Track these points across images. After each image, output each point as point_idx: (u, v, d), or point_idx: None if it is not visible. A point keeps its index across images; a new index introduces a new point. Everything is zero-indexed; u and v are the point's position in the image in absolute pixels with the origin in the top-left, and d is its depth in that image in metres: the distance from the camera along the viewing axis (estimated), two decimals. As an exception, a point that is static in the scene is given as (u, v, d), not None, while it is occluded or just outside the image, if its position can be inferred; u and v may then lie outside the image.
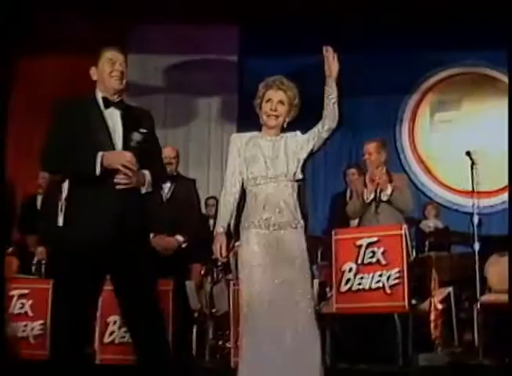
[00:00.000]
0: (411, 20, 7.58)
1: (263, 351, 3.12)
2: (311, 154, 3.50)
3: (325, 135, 3.41)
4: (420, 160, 8.20)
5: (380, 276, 4.64)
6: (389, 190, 5.17)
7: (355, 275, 4.70)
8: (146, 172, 3.34)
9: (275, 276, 3.22)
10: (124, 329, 4.51)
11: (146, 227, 3.44)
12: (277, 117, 3.40)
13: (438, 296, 5.54)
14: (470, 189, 5.23)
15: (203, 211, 6.00)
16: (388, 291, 4.60)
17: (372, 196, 5.21)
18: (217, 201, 6.71)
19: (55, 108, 3.40)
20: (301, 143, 3.44)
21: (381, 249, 4.65)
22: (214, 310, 5.20)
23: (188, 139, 8.23)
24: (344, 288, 4.70)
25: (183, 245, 5.04)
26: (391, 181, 5.24)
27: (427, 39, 7.69)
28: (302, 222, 3.38)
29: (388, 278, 4.61)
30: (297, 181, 3.43)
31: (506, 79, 8.00)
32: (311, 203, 7.33)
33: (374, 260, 4.67)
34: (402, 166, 7.98)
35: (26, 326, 5.07)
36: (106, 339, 4.89)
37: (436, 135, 8.23)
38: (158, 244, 4.96)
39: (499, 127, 7.59)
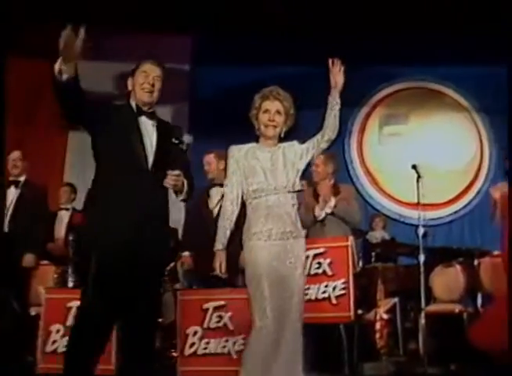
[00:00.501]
0: (361, 34, 7.70)
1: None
2: (309, 165, 3.57)
3: (324, 145, 3.48)
4: (368, 173, 8.32)
5: (326, 286, 4.71)
6: (332, 202, 5.24)
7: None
8: (184, 181, 3.33)
9: (279, 287, 3.24)
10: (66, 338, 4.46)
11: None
12: (275, 127, 3.43)
13: (384, 306, 5.63)
14: (416, 201, 5.34)
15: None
16: (334, 301, 4.68)
17: (321, 207, 5.28)
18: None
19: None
20: (300, 153, 3.48)
21: (328, 260, 4.73)
22: (160, 319, 5.17)
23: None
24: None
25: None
26: (337, 193, 5.31)
27: (377, 53, 7.83)
28: (303, 232, 3.46)
29: (334, 289, 4.69)
30: (297, 191, 3.46)
31: (452, 94, 8.23)
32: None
33: (320, 271, 4.74)
34: (351, 178, 8.08)
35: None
36: (49, 348, 4.83)
37: (384, 148, 8.37)
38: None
39: (445, 141, 7.80)
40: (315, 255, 4.73)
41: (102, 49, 7.90)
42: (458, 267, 6.12)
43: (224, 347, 4.62)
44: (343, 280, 4.67)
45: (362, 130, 8.31)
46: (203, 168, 5.44)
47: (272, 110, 3.42)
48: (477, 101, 8.10)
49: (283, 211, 3.35)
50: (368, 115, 8.31)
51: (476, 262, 6.14)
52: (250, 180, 3.39)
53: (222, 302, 4.68)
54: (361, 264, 5.97)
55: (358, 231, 5.66)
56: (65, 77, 3.01)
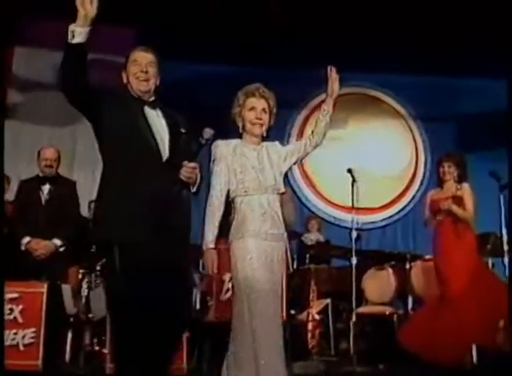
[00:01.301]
0: (302, 37, 7.76)
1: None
2: (290, 168, 3.52)
3: (310, 150, 3.48)
4: (306, 175, 8.37)
5: (16, 334, 4.59)
6: None
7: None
8: (198, 174, 3.17)
9: (267, 286, 3.19)
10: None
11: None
12: (262, 125, 3.37)
13: (317, 307, 5.70)
14: (351, 205, 5.41)
15: (86, 213, 5.85)
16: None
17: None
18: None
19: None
20: (284, 155, 3.44)
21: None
22: (90, 315, 5.07)
23: (74, 138, 7.91)
24: (224, 297, 4.73)
25: (61, 249, 4.94)
26: None
27: (317, 57, 7.88)
28: (286, 235, 3.40)
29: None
30: (281, 194, 3.42)
31: (390, 101, 8.38)
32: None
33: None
34: (288, 180, 8.12)
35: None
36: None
37: (322, 151, 8.32)
38: (34, 249, 4.86)
39: (382, 147, 7.94)
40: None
41: (39, 36, 7.72)
42: (390, 270, 6.24)
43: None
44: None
45: (301, 133, 8.34)
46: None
47: (258, 107, 3.36)
48: (414, 109, 8.29)
49: (274, 212, 3.32)
50: (306, 118, 8.35)
51: (407, 266, 6.27)
52: (240, 177, 3.31)
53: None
54: (295, 265, 6.02)
55: (293, 232, 5.71)
56: (76, 40, 2.96)
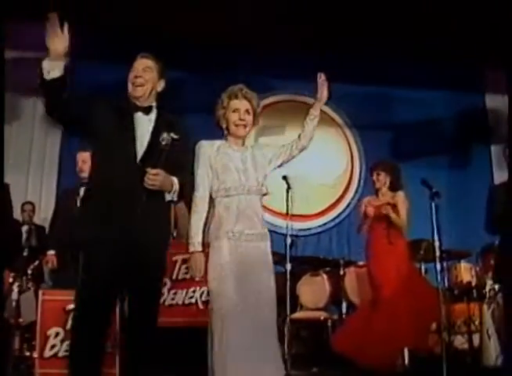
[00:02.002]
0: (241, 45, 7.78)
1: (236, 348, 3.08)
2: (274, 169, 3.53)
3: (296, 153, 3.50)
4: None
5: (194, 292, 4.73)
6: None
7: (168, 290, 4.76)
8: (175, 179, 3.21)
9: (245, 287, 3.18)
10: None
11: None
12: (245, 126, 3.39)
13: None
14: (286, 211, 5.43)
15: (19, 216, 5.71)
16: (201, 306, 4.71)
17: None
18: (33, 206, 6.46)
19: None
20: (270, 157, 3.47)
21: None
22: (20, 320, 4.94)
23: (9, 139, 7.70)
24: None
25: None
26: None
27: (257, 64, 7.93)
28: (268, 235, 3.38)
29: (201, 294, 4.73)
30: (263, 195, 3.42)
31: (327, 109, 8.46)
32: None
33: (188, 276, 4.74)
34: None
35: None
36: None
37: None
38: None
39: (318, 155, 8.01)
40: (184, 260, 4.71)
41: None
42: (324, 276, 6.31)
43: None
44: None
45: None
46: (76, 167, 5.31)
47: (241, 109, 3.38)
48: (350, 117, 8.39)
49: (253, 213, 3.32)
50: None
51: (341, 272, 6.35)
52: (222, 178, 3.33)
53: None
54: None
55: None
56: (51, 76, 2.98)
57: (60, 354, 4.45)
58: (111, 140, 3.19)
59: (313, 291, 6.21)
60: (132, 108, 3.30)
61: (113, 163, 3.17)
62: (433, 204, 4.79)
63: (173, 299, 4.74)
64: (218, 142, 3.42)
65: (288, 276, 5.24)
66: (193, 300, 4.74)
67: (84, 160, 5.30)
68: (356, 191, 8.36)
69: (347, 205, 8.32)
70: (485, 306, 6.03)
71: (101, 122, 3.20)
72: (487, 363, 5.63)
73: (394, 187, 5.60)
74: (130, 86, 3.33)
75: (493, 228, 4.78)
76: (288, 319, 5.23)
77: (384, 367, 5.07)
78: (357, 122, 8.47)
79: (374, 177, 5.64)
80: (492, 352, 5.69)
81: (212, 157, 3.36)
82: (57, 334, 4.49)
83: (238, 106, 3.39)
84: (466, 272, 6.58)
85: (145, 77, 3.31)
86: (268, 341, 3.23)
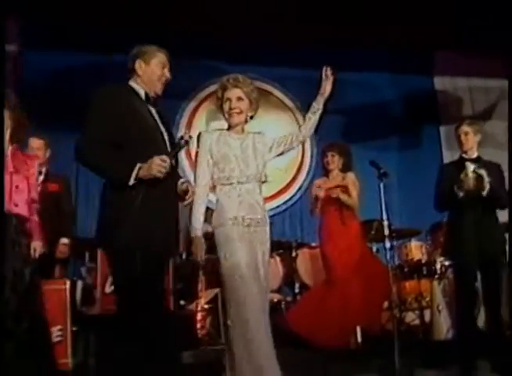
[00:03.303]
0: (195, 30, 7.73)
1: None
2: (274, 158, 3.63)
3: (295, 144, 3.63)
4: (194, 167, 8.24)
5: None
6: None
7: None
8: (190, 181, 3.31)
9: (253, 270, 3.33)
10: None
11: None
12: (239, 113, 3.49)
13: (206, 297, 5.71)
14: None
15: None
16: None
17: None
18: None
19: (98, 95, 3.15)
20: (270, 146, 3.57)
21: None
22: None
23: None
24: (109, 290, 4.67)
25: None
26: None
27: (208, 48, 7.90)
28: (268, 220, 3.51)
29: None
30: (263, 182, 3.53)
31: (278, 93, 8.49)
32: (83, 204, 7.14)
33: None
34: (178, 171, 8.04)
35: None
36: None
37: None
38: None
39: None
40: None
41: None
42: (277, 258, 6.36)
43: None
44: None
45: (189, 124, 8.27)
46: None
47: (232, 97, 3.47)
48: (301, 101, 8.42)
49: (254, 200, 3.44)
50: (195, 109, 8.30)
51: (294, 254, 6.40)
52: (221, 166, 3.43)
53: None
54: (184, 256, 6.01)
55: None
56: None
57: None
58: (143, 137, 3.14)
59: (273, 273, 6.25)
60: (146, 100, 3.29)
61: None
62: (381, 184, 4.85)
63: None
64: (218, 131, 3.54)
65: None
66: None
67: (37, 147, 5.20)
68: (308, 173, 8.41)
69: (299, 188, 8.38)
70: (435, 282, 6.17)
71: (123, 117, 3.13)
72: (438, 338, 5.78)
73: (345, 169, 5.67)
74: (156, 83, 3.30)
75: (441, 205, 4.89)
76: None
77: (337, 345, 5.16)
78: (308, 106, 8.47)
79: (327, 159, 5.69)
80: (443, 327, 5.84)
81: (213, 146, 3.46)
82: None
83: (229, 95, 3.49)
84: (416, 250, 6.72)
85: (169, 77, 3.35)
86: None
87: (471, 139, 4.81)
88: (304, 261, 6.41)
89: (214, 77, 8.31)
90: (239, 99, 3.49)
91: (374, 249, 6.50)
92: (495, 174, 4.70)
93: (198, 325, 5.45)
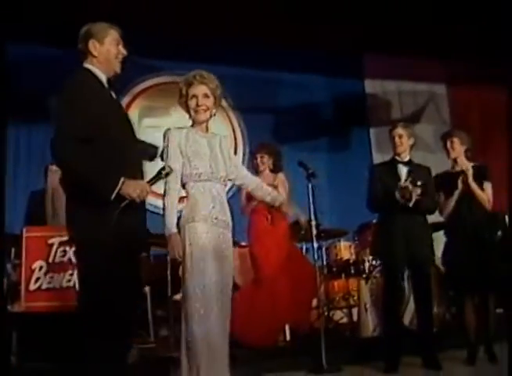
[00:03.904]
0: (126, 26, 7.62)
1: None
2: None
3: (237, 183, 3.82)
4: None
5: (72, 275, 4.64)
6: None
7: (45, 274, 4.65)
8: None
9: (216, 269, 3.30)
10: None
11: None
12: (205, 110, 3.46)
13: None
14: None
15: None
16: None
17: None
18: None
19: (66, 85, 3.01)
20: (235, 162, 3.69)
21: (73, 248, 4.64)
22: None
23: None
24: (33, 287, 4.59)
25: None
26: None
27: (143, 45, 7.80)
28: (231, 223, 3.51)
29: None
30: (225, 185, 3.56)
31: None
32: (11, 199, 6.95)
33: (66, 259, 4.66)
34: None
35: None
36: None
37: (143, 139, 8.31)
38: None
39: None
40: (61, 243, 4.66)
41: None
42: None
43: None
44: None
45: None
46: None
47: (198, 94, 3.44)
48: (233, 99, 8.43)
49: (223, 200, 3.46)
50: (128, 105, 8.14)
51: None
52: (194, 163, 3.40)
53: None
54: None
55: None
56: None
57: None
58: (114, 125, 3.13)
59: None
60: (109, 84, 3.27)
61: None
62: (309, 185, 4.92)
63: (50, 283, 4.64)
64: (185, 129, 3.49)
65: (169, 258, 5.24)
66: (71, 283, 4.63)
67: None
68: (240, 173, 8.41)
69: (231, 187, 8.38)
70: (363, 281, 6.30)
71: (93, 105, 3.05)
72: (365, 335, 5.90)
73: (275, 169, 5.73)
74: (114, 61, 3.25)
75: (375, 208, 4.99)
76: (171, 300, 5.25)
77: (266, 344, 5.21)
78: (240, 105, 8.53)
79: (256, 161, 5.75)
80: (370, 325, 5.97)
81: (182, 144, 3.42)
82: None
83: (195, 92, 3.45)
84: (345, 250, 6.83)
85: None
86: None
87: (405, 142, 4.91)
88: (233, 259, 6.41)
89: (148, 73, 8.31)
90: (206, 95, 3.47)
91: (304, 249, 6.57)
92: (425, 178, 4.83)
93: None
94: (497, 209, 5.34)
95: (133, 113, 8.22)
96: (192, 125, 3.56)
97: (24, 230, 4.71)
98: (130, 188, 2.94)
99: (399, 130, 4.91)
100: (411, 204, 4.63)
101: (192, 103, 3.48)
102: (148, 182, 3.09)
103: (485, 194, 4.90)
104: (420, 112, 9.37)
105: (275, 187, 5.49)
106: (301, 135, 8.42)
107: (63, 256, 4.67)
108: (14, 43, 6.92)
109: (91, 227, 2.94)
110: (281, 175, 5.67)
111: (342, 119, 8.95)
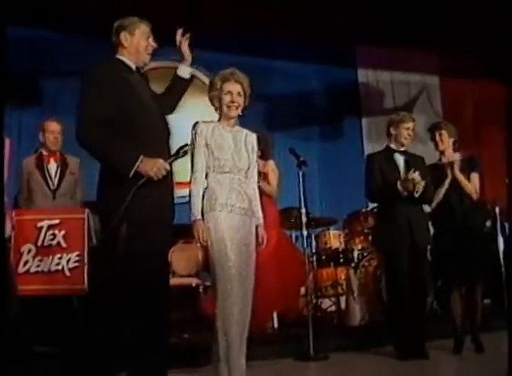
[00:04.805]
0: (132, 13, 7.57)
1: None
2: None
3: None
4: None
5: (60, 258, 4.65)
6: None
7: (34, 257, 4.66)
8: None
9: (239, 256, 3.50)
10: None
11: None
12: (237, 107, 3.66)
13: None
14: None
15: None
16: (68, 273, 4.65)
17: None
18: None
19: (93, 72, 3.28)
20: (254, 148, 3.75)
21: (62, 232, 4.70)
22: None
23: None
24: (22, 270, 4.60)
25: None
26: (66, 165, 5.39)
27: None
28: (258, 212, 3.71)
29: (68, 261, 4.66)
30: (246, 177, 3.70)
31: (202, 77, 8.42)
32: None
33: (55, 243, 4.67)
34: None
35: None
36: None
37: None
38: None
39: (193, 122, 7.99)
40: (50, 227, 4.70)
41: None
42: (197, 243, 6.34)
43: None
44: (77, 253, 4.68)
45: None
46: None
47: (234, 92, 3.63)
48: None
49: (243, 191, 3.61)
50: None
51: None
52: (216, 155, 3.57)
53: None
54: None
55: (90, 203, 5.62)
56: None
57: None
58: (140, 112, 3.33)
59: (185, 257, 6.26)
60: (138, 72, 3.50)
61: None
62: (300, 173, 4.92)
63: (38, 266, 4.66)
64: (212, 123, 3.69)
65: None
66: (60, 267, 4.65)
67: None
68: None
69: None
70: (351, 270, 6.32)
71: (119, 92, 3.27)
72: (352, 324, 5.93)
73: (265, 157, 5.71)
74: (143, 53, 3.46)
75: (376, 198, 5.01)
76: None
77: (254, 331, 5.21)
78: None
79: (246, 148, 5.73)
80: (357, 314, 6.01)
81: (208, 137, 3.61)
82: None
83: (231, 89, 3.65)
84: (334, 238, 6.86)
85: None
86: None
87: (411, 137, 4.95)
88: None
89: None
90: (239, 94, 3.66)
91: (293, 237, 6.58)
92: (423, 168, 4.86)
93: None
94: (489, 199, 5.38)
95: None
96: (219, 120, 3.73)
97: (14, 213, 4.70)
98: (148, 166, 3.16)
99: (409, 124, 4.92)
100: (417, 195, 4.66)
101: (226, 99, 3.65)
102: (167, 160, 3.27)
103: (472, 185, 4.93)
104: (412, 102, 9.37)
105: (265, 174, 5.51)
106: (293, 124, 8.40)
107: (52, 240, 4.66)
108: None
109: (113, 202, 3.14)
110: (271, 163, 5.65)
111: (334, 108, 8.92)
